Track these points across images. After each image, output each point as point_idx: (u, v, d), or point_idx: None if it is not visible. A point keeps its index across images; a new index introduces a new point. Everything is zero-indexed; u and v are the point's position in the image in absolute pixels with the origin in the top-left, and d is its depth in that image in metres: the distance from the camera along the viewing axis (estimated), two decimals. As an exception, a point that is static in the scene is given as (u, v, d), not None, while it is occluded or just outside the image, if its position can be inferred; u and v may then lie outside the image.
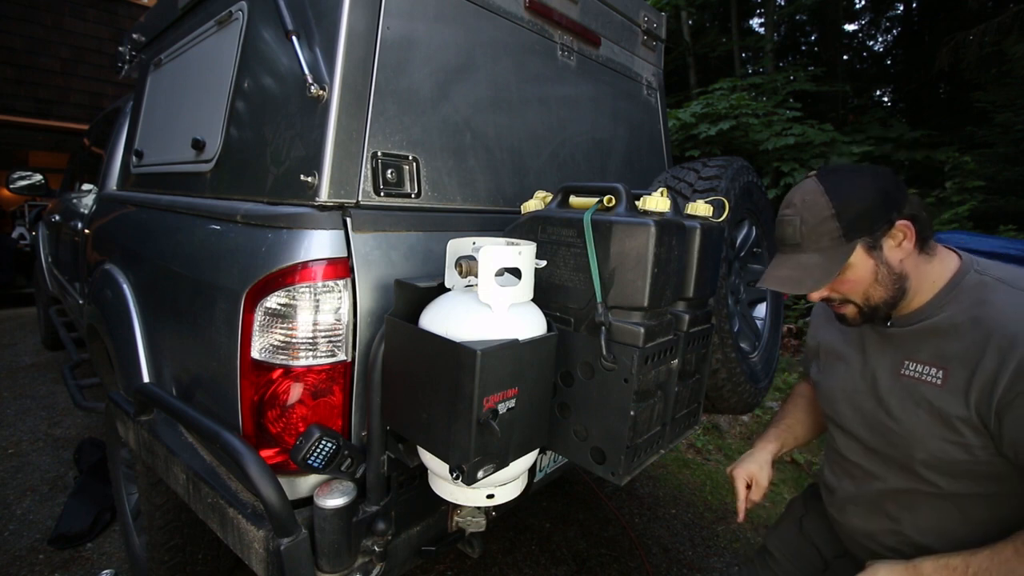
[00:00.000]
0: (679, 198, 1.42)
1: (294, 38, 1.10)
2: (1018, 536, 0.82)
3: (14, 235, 7.32)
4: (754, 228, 1.76)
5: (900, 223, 0.91)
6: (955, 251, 0.98)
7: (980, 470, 0.89)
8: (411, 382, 0.95)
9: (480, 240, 1.01)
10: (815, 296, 0.97)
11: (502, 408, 0.87)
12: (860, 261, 0.92)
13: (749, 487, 1.20)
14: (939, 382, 0.91)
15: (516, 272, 0.95)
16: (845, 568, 1.14)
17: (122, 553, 2.04)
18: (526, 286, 0.95)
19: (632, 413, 0.94)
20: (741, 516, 1.19)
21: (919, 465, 0.94)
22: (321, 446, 0.97)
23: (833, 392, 1.12)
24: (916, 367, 0.95)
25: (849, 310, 0.98)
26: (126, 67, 2.32)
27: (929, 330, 0.94)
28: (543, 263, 1.03)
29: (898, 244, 0.92)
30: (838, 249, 0.91)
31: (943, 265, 0.95)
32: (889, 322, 1.00)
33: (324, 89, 1.05)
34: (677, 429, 1.16)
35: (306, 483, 1.07)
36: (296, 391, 1.02)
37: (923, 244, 0.94)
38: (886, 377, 1.00)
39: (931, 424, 0.91)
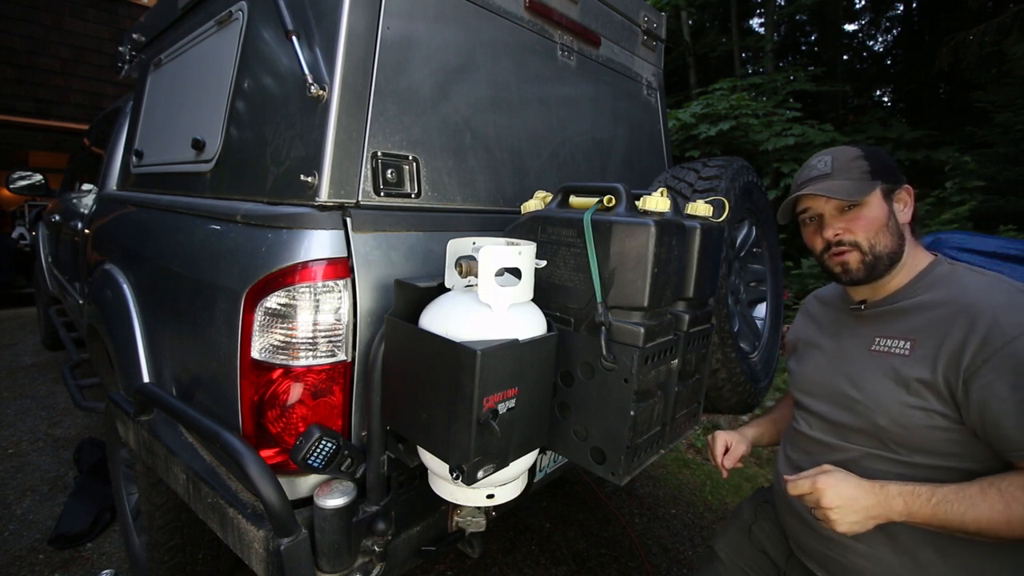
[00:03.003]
0: (679, 198, 1.42)
1: (294, 38, 1.10)
2: (985, 479, 0.86)
3: (14, 235, 7.32)
4: (754, 228, 1.76)
5: (907, 187, 1.05)
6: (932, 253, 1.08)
7: (938, 438, 0.92)
8: (411, 382, 0.95)
9: (480, 240, 1.01)
10: (829, 233, 1.05)
11: (502, 408, 0.87)
12: (877, 203, 1.02)
13: (726, 452, 1.29)
14: (907, 352, 0.97)
15: (516, 272, 0.95)
16: (795, 571, 1.16)
17: (122, 553, 2.04)
18: (526, 286, 0.95)
19: (632, 413, 0.94)
20: (721, 470, 1.28)
21: (881, 432, 0.98)
22: (321, 446, 0.97)
23: (804, 375, 1.18)
24: (886, 342, 1.01)
25: (853, 257, 1.03)
26: (126, 67, 2.32)
27: (900, 311, 1.02)
28: (543, 263, 1.03)
29: (904, 207, 1.04)
30: (864, 182, 1.01)
31: (923, 256, 1.06)
32: (864, 306, 1.08)
33: (324, 89, 1.05)
34: (677, 429, 1.16)
35: (306, 483, 1.07)
36: (296, 391, 1.02)
37: (916, 228, 1.07)
38: (857, 354, 1.06)
39: (895, 390, 0.96)
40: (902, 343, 0.98)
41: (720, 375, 1.45)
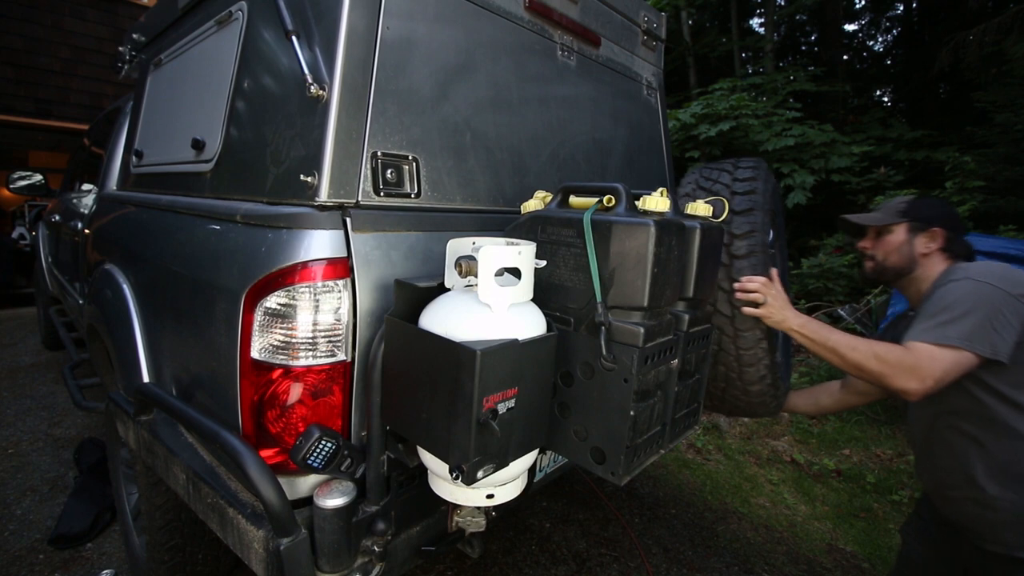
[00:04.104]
0: (719, 200, 1.37)
1: (294, 38, 1.09)
2: (870, 340, 1.20)
3: (14, 235, 7.32)
4: (771, 229, 1.72)
5: (935, 229, 1.32)
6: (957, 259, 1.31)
7: None
8: (411, 382, 0.95)
9: (480, 240, 1.01)
10: (863, 243, 1.43)
11: (502, 408, 0.87)
12: (900, 233, 1.36)
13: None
14: None
15: (516, 272, 0.95)
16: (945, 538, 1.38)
17: (122, 553, 2.04)
18: (526, 286, 0.95)
19: (632, 413, 0.94)
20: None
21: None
22: (321, 446, 0.97)
23: None
24: None
25: (869, 264, 1.42)
26: (126, 67, 2.32)
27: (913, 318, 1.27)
28: (543, 263, 1.03)
29: (926, 243, 1.33)
30: (894, 216, 1.37)
31: (942, 268, 1.30)
32: (911, 312, 1.39)
33: (324, 89, 1.05)
34: (677, 429, 1.16)
35: (306, 483, 1.07)
36: (296, 391, 1.02)
37: (950, 253, 1.31)
38: None
39: None
40: None
41: (766, 381, 1.41)
